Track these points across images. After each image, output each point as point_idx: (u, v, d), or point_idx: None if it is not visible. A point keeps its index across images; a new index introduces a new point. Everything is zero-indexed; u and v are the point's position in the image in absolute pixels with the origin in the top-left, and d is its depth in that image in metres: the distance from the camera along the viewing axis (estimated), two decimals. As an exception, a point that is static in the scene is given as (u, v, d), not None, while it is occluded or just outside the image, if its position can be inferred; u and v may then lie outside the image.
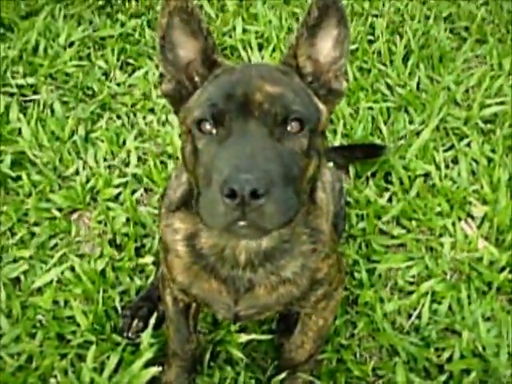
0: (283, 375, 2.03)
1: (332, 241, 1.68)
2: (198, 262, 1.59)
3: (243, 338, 2.14)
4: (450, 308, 2.33)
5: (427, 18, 3.62)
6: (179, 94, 1.47)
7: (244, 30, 3.41)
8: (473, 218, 2.66)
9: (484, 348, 2.19)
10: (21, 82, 3.07)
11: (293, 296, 1.63)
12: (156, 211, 2.40)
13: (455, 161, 2.88)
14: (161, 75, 1.49)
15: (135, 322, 2.18)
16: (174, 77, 1.47)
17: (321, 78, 1.47)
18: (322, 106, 1.45)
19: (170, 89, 1.48)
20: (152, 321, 2.12)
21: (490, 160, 2.85)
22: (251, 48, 3.25)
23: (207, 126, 1.33)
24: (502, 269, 2.43)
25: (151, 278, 2.33)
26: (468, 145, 2.93)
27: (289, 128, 1.33)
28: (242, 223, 1.23)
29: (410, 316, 2.31)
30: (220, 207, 1.22)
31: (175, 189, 1.65)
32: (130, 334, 2.16)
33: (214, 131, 1.33)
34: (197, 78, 1.46)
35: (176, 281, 1.67)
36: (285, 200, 1.25)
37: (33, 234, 2.50)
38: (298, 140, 1.34)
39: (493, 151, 2.89)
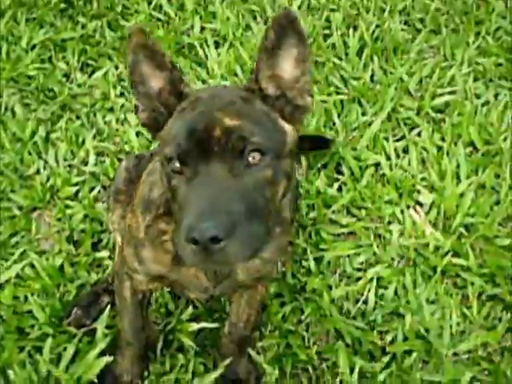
0: (228, 360, 2.12)
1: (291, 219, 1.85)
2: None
3: (194, 326, 2.23)
4: (395, 293, 2.41)
5: (383, 10, 3.69)
6: (155, 121, 1.55)
7: (202, 29, 3.48)
8: (421, 205, 2.74)
9: (427, 330, 2.27)
10: (-18, 86, 3.14)
11: (267, 271, 1.80)
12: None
13: (406, 150, 2.95)
14: (135, 106, 1.57)
15: (74, 309, 2.29)
16: (148, 106, 1.55)
17: (285, 96, 1.48)
18: (287, 127, 1.47)
19: (145, 117, 1.56)
20: (106, 312, 2.20)
21: (439, 148, 2.93)
22: (208, 46, 3.32)
23: (176, 165, 1.39)
24: (447, 253, 2.51)
25: (108, 271, 2.42)
26: (419, 134, 3.01)
27: (250, 159, 1.35)
28: (210, 262, 1.31)
29: (357, 301, 2.40)
30: (188, 248, 1.30)
31: (152, 188, 1.71)
32: (69, 321, 2.27)
33: (182, 171, 1.39)
34: (170, 105, 1.53)
35: (150, 271, 1.76)
36: (250, 235, 1.30)
37: (-6, 233, 2.58)
38: (261, 171, 1.36)
39: (442, 140, 2.97)
